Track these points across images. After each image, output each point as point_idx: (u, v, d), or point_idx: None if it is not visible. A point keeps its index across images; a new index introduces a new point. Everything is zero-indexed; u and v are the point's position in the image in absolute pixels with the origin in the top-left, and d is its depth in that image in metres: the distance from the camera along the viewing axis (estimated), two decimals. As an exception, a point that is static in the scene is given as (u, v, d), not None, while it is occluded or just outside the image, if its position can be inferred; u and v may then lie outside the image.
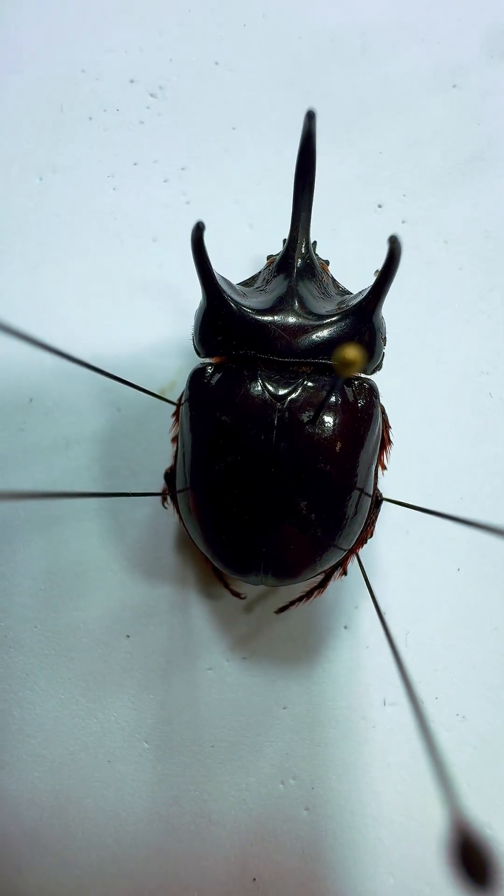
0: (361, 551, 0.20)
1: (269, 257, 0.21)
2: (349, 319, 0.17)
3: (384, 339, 0.18)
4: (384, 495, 0.21)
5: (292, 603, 0.22)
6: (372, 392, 0.18)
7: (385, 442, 0.20)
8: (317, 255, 0.20)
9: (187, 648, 0.23)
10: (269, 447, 0.17)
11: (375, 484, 0.20)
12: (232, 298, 0.17)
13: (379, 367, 0.19)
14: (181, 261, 0.26)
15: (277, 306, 0.17)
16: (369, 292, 0.16)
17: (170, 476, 0.21)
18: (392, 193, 0.26)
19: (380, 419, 0.18)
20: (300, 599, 0.21)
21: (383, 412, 0.19)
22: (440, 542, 0.23)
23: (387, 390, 0.19)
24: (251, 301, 0.18)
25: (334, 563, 0.19)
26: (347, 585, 0.23)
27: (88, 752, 0.23)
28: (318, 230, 0.20)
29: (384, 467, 0.20)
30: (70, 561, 0.24)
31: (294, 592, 0.22)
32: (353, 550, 0.20)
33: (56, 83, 0.27)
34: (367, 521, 0.19)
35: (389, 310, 0.18)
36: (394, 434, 0.20)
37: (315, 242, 0.22)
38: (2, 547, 0.24)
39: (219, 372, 0.18)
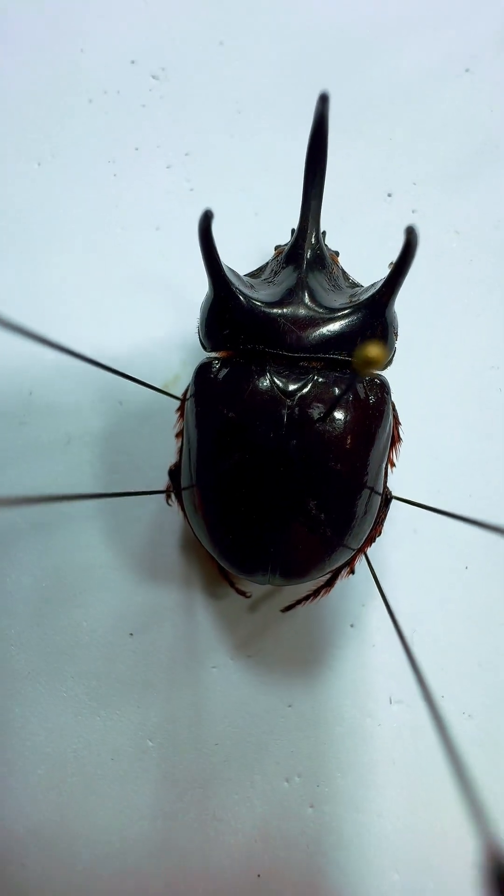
0: (369, 549, 0.20)
1: (276, 247, 0.21)
2: (361, 313, 0.16)
3: (396, 334, 0.18)
4: (392, 493, 0.20)
5: (299, 602, 0.21)
6: (384, 388, 0.18)
7: (395, 439, 0.20)
8: (327, 245, 0.19)
9: (192, 646, 0.23)
10: (278, 445, 0.16)
11: (385, 482, 0.19)
12: (240, 291, 0.17)
13: (390, 362, 0.18)
14: (185, 250, 0.26)
15: (287, 299, 0.17)
16: (383, 285, 0.16)
17: (174, 473, 0.21)
18: (402, 182, 0.25)
19: (391, 416, 0.18)
20: (307, 598, 0.21)
21: (394, 409, 0.19)
22: (448, 540, 0.23)
23: (394, 385, 0.19)
24: (260, 293, 0.17)
25: (343, 562, 0.19)
26: (354, 584, 0.23)
27: (91, 750, 0.23)
28: (326, 220, 0.20)
29: (393, 464, 0.20)
30: (72, 558, 0.24)
31: (300, 591, 0.21)
32: (362, 549, 0.19)
33: (54, 64, 0.26)
34: (376, 519, 0.19)
35: (397, 303, 0.17)
36: (404, 433, 0.20)
37: (325, 232, 0.21)
38: (2, 544, 0.24)
39: (226, 367, 0.17)
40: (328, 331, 0.16)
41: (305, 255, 0.17)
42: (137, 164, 0.26)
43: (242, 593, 0.22)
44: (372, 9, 0.26)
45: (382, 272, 0.17)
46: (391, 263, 0.16)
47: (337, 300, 0.17)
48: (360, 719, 0.23)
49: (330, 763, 0.23)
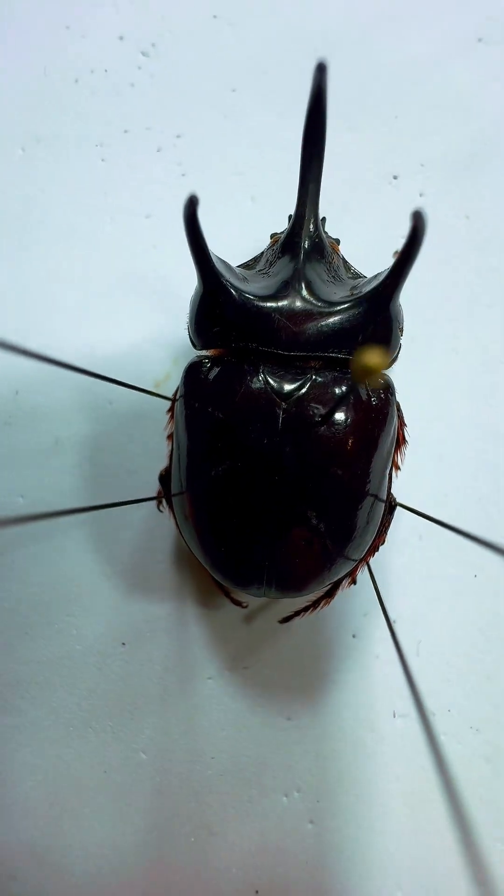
0: (372, 558, 0.19)
1: (272, 236, 0.19)
2: (363, 307, 0.15)
3: (401, 330, 0.16)
4: (396, 497, 0.19)
5: (297, 613, 0.20)
6: (388, 388, 0.16)
7: (400, 441, 0.18)
8: (326, 232, 0.18)
9: (186, 657, 0.22)
10: (272, 450, 0.15)
11: (389, 488, 0.18)
12: (231, 283, 0.15)
13: (395, 360, 0.17)
14: (177, 240, 0.24)
15: (282, 292, 0.15)
16: (387, 276, 0.15)
17: (165, 478, 0.20)
18: (409, 163, 0.24)
19: (395, 418, 0.17)
20: (306, 610, 0.20)
21: (398, 409, 0.18)
22: (456, 547, 0.22)
23: (399, 383, 0.17)
24: (252, 286, 0.16)
25: (343, 574, 0.18)
26: (356, 592, 0.22)
27: (84, 762, 0.22)
28: (327, 205, 0.18)
29: (398, 468, 0.19)
30: (61, 565, 0.23)
31: (298, 602, 0.20)
32: (364, 559, 0.18)
33: (38, 42, 0.25)
34: (379, 527, 0.18)
35: (403, 293, 0.16)
36: (408, 432, 0.19)
37: (324, 219, 0.20)
38: (-11, 550, 0.23)
39: (216, 366, 0.16)
40: (327, 326, 0.15)
41: (303, 243, 0.16)
42: (126, 148, 0.24)
43: (238, 603, 0.21)
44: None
45: (387, 262, 0.15)
46: (396, 252, 0.14)
47: (337, 293, 0.16)
48: (362, 733, 0.22)
49: (330, 778, 0.22)
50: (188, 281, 0.17)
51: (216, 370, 0.16)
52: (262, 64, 0.24)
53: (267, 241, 0.20)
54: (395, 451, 0.18)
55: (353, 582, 0.19)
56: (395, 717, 0.22)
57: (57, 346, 0.23)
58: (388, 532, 0.19)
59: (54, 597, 0.23)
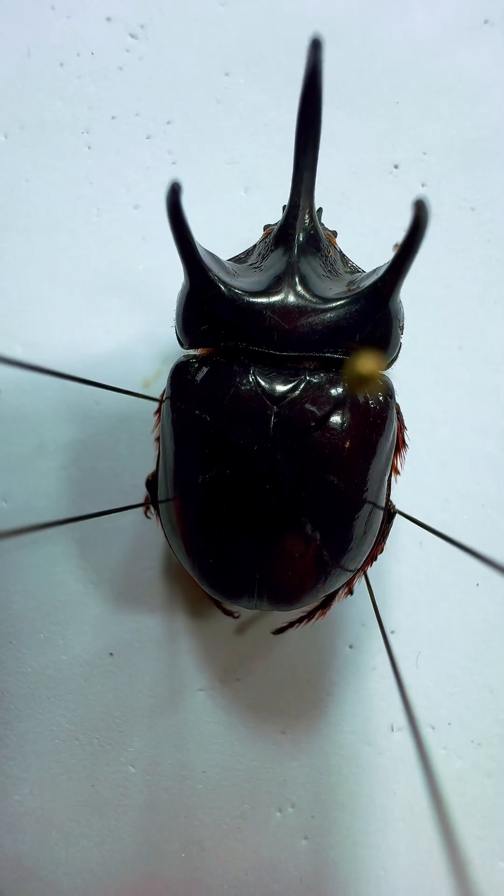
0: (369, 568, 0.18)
1: (266, 227, 0.18)
2: (361, 304, 0.14)
3: (401, 328, 0.15)
4: (396, 502, 0.18)
5: (291, 625, 0.19)
6: (387, 390, 0.15)
7: (400, 444, 0.17)
8: (322, 224, 0.17)
9: (176, 668, 0.21)
10: (263, 456, 0.14)
11: (388, 494, 0.17)
12: (219, 278, 0.14)
13: (395, 359, 0.16)
14: (167, 232, 0.23)
15: (274, 288, 0.14)
16: (386, 271, 0.14)
17: (152, 483, 0.19)
18: (410, 151, 0.23)
19: (395, 421, 0.16)
20: (300, 621, 0.19)
21: (398, 412, 0.17)
22: (457, 555, 0.21)
23: (400, 383, 0.16)
24: (243, 281, 0.15)
25: (339, 586, 0.17)
26: (353, 601, 0.21)
27: (71, 776, 0.21)
28: (325, 195, 0.17)
29: (398, 472, 0.18)
30: (46, 571, 0.22)
31: (293, 613, 0.19)
32: (362, 569, 0.17)
33: (21, 23, 0.24)
34: (377, 536, 0.17)
35: (403, 288, 0.15)
36: (408, 435, 0.18)
37: (321, 209, 0.19)
38: (-29, 556, 0.22)
39: (205, 366, 0.15)
40: (322, 325, 0.14)
41: (297, 235, 0.15)
42: (114, 135, 0.23)
43: (230, 613, 0.20)
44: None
45: (386, 255, 0.14)
46: (396, 245, 0.13)
47: (333, 288, 0.15)
48: (359, 747, 0.21)
49: (326, 793, 0.21)
50: (179, 275, 0.16)
51: (204, 371, 0.15)
52: (257, 46, 0.23)
53: (260, 234, 0.18)
54: (395, 456, 0.17)
55: (350, 592, 0.19)
56: (393, 730, 0.21)
57: (41, 343, 0.22)
58: (387, 539, 0.18)
59: (39, 604, 0.22)
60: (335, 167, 0.22)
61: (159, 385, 0.22)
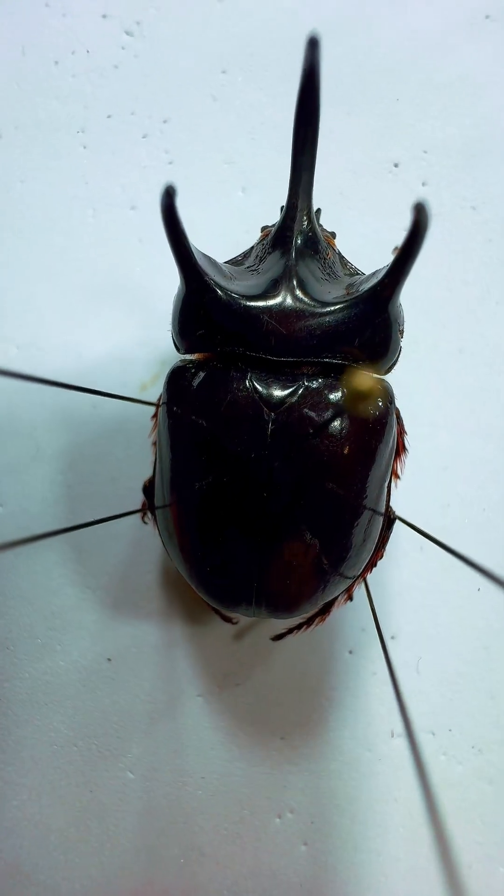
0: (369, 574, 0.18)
1: (263, 229, 0.18)
2: (360, 308, 0.14)
3: (401, 332, 0.15)
4: (396, 508, 0.18)
5: (290, 631, 0.19)
6: (386, 395, 0.15)
7: (400, 449, 0.17)
8: (321, 225, 0.17)
9: (175, 673, 0.21)
10: (261, 463, 0.14)
11: (388, 500, 0.17)
12: (215, 282, 0.14)
13: (395, 364, 0.16)
14: (164, 233, 0.23)
15: (272, 291, 0.14)
16: (385, 275, 0.13)
17: (149, 489, 0.18)
18: (410, 150, 0.22)
19: (395, 426, 0.16)
20: (299, 627, 0.19)
21: (398, 416, 0.16)
22: (458, 560, 0.21)
23: (399, 386, 0.16)
24: (240, 285, 0.15)
25: (338, 593, 0.17)
26: (353, 606, 0.21)
27: (69, 781, 0.21)
28: (323, 195, 0.17)
29: (398, 477, 0.17)
30: (43, 576, 0.22)
31: (292, 619, 0.19)
32: (361, 576, 0.17)
33: (15, 20, 0.23)
34: (377, 542, 0.17)
35: (404, 289, 0.15)
36: (409, 439, 0.18)
37: (319, 210, 0.18)
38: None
39: (201, 372, 0.15)
40: (320, 329, 0.14)
41: (295, 237, 0.15)
42: (109, 134, 0.23)
43: (228, 619, 0.20)
44: None
45: (386, 257, 0.14)
46: (396, 248, 0.13)
47: (332, 292, 0.15)
48: (359, 753, 0.21)
49: (325, 799, 0.21)
50: (176, 277, 0.15)
51: (200, 376, 0.15)
52: (254, 43, 0.23)
53: (258, 235, 0.18)
54: (395, 461, 0.17)
55: (350, 599, 0.18)
56: (393, 736, 0.21)
57: (37, 345, 0.22)
58: (387, 545, 0.18)
59: (36, 610, 0.22)
60: (334, 166, 0.22)
61: (157, 388, 0.21)
